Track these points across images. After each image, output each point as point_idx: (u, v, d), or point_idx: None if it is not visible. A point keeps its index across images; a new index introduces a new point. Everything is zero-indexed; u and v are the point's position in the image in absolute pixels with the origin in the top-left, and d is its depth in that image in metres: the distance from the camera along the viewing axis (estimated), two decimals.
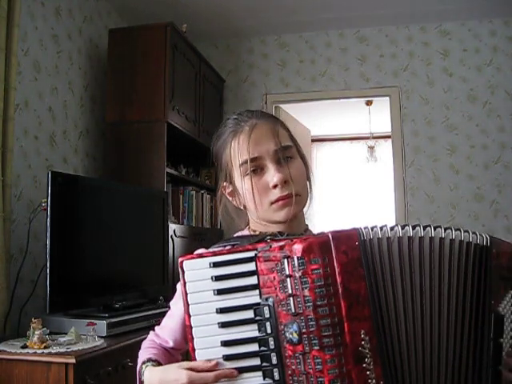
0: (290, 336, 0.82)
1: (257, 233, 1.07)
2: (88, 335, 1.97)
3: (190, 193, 3.55)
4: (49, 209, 2.06)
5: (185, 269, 0.89)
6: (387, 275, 0.84)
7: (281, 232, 0.98)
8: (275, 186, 1.01)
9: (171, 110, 3.18)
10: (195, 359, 0.88)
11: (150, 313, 2.40)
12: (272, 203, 1.02)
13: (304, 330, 0.81)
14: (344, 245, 0.83)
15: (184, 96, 3.40)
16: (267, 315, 0.85)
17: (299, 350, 0.82)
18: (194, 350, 0.88)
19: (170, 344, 1.09)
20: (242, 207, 1.10)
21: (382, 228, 0.86)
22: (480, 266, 0.86)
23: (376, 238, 0.85)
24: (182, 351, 1.11)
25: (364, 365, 0.80)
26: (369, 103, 5.53)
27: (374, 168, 6.51)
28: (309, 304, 0.81)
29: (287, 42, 4.23)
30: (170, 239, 3.08)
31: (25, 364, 1.80)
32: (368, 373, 0.80)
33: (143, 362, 1.03)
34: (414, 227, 0.86)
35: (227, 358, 0.86)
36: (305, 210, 1.10)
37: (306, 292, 0.81)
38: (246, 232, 1.12)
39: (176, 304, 1.07)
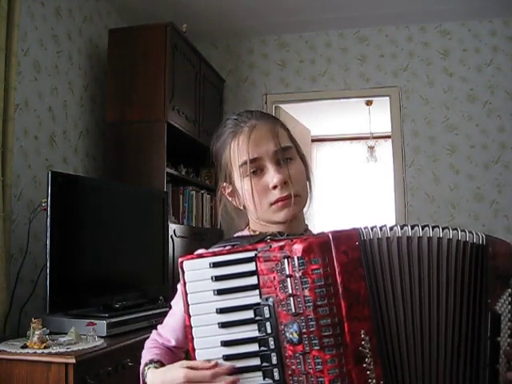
0: (290, 336, 0.82)
1: (257, 233, 1.07)
2: (88, 335, 1.97)
3: (190, 193, 3.55)
4: (49, 209, 2.06)
5: (185, 269, 0.89)
6: (387, 275, 0.85)
7: (281, 232, 0.98)
8: (275, 187, 1.02)
9: (171, 109, 3.18)
10: (195, 359, 0.88)
11: (149, 313, 2.40)
12: (271, 204, 1.02)
13: (304, 330, 0.81)
14: (344, 245, 0.83)
15: (184, 96, 3.40)
16: (267, 315, 0.85)
17: (299, 350, 0.82)
18: (194, 350, 0.88)
19: (173, 343, 1.09)
20: (241, 207, 1.10)
21: (381, 228, 0.86)
22: (476, 265, 0.87)
23: (376, 238, 0.85)
24: (184, 349, 1.11)
25: (364, 365, 0.80)
26: (369, 103, 5.53)
27: (373, 168, 6.52)
28: (309, 304, 0.81)
29: (287, 41, 4.23)
30: (170, 239, 3.08)
31: (25, 364, 1.80)
32: (368, 373, 0.80)
33: (145, 364, 1.03)
34: (412, 227, 0.87)
35: (227, 358, 0.86)
36: (305, 210, 1.10)
37: (306, 292, 0.81)
38: (245, 232, 1.12)
39: (177, 303, 1.07)
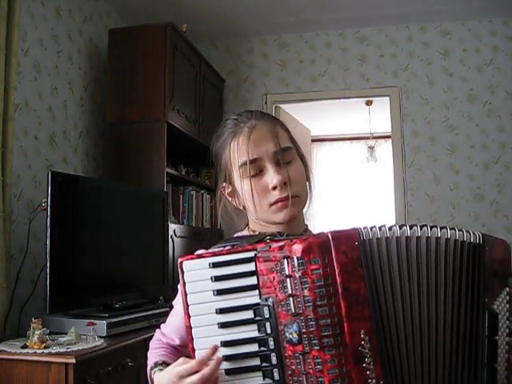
0: (290, 336, 0.82)
1: (256, 233, 1.07)
2: (88, 335, 1.97)
3: (190, 193, 3.55)
4: (49, 209, 2.06)
5: (184, 269, 0.89)
6: (386, 275, 0.85)
7: (280, 232, 0.98)
8: (274, 188, 1.02)
9: (171, 110, 3.18)
10: None
11: (150, 313, 2.41)
12: (271, 205, 1.03)
13: (304, 330, 0.81)
14: (344, 245, 0.83)
15: (184, 96, 3.40)
16: (267, 315, 0.85)
17: (299, 350, 0.82)
18: (193, 350, 0.88)
19: (177, 342, 1.09)
20: (241, 207, 1.10)
21: (380, 228, 0.87)
22: (473, 264, 0.87)
23: (375, 237, 0.86)
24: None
25: (364, 365, 0.80)
26: (369, 103, 5.53)
27: (373, 168, 6.51)
28: (309, 304, 0.81)
29: (287, 41, 4.23)
30: (170, 239, 3.08)
31: (25, 364, 1.81)
32: (368, 373, 0.80)
33: (151, 368, 1.03)
34: (411, 227, 0.87)
35: (227, 358, 0.86)
36: (304, 210, 1.10)
37: (306, 292, 0.82)
38: (245, 232, 1.12)
39: (178, 303, 1.07)
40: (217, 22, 3.96)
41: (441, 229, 0.87)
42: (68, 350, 1.83)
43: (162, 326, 1.15)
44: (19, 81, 2.55)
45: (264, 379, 0.85)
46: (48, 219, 2.05)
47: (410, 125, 3.98)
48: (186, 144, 3.60)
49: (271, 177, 1.02)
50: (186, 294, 0.88)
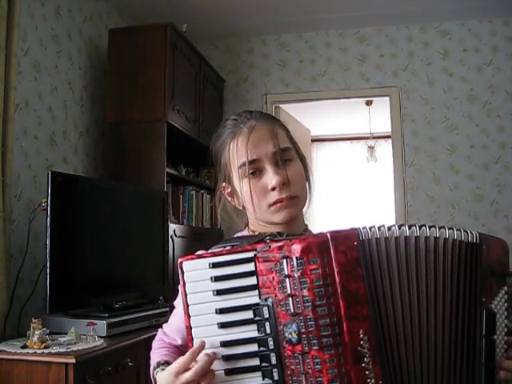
0: (289, 336, 0.82)
1: (256, 233, 1.07)
2: (88, 335, 1.97)
3: (190, 193, 3.56)
4: (49, 209, 2.06)
5: (184, 269, 0.89)
6: (385, 275, 0.85)
7: (280, 232, 0.98)
8: (273, 189, 1.02)
9: (171, 110, 3.18)
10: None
11: (150, 313, 2.41)
12: (270, 205, 1.03)
13: (303, 330, 0.81)
14: (343, 245, 0.83)
15: (184, 96, 3.40)
16: (266, 315, 0.85)
17: (298, 349, 0.82)
18: None
19: (179, 342, 1.09)
20: (240, 207, 1.11)
21: (379, 228, 0.87)
22: (471, 263, 0.87)
23: (374, 237, 0.86)
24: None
25: (363, 364, 0.80)
26: (369, 103, 5.53)
27: (374, 168, 6.52)
28: (308, 304, 0.81)
29: (287, 41, 4.23)
30: (170, 239, 3.08)
31: (25, 364, 1.81)
32: (367, 372, 0.80)
33: (154, 368, 1.04)
34: (410, 227, 0.87)
35: (227, 358, 0.86)
36: (304, 210, 1.10)
37: (305, 292, 0.82)
38: (245, 232, 1.12)
39: (180, 303, 1.07)
40: (217, 21, 3.96)
41: (439, 228, 0.88)
42: (68, 350, 1.83)
43: (164, 325, 1.15)
44: (19, 81, 2.55)
45: (263, 379, 0.85)
46: (48, 219, 2.05)
47: (410, 125, 3.98)
48: (186, 144, 3.60)
49: (270, 177, 1.02)
50: (185, 294, 0.88)
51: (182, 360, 0.86)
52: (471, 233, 0.88)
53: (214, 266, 0.88)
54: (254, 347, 0.85)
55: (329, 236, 0.84)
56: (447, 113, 3.94)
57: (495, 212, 3.79)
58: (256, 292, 0.86)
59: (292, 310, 0.82)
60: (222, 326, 0.86)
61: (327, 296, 0.81)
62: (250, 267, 0.87)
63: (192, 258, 0.90)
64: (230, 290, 0.87)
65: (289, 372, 0.83)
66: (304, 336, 0.81)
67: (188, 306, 0.88)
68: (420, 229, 0.87)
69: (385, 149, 6.21)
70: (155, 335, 1.16)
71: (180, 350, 1.10)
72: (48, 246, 2.04)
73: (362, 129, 6.29)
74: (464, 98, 3.92)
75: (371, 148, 6.30)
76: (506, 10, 3.78)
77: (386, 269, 0.85)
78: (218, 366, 0.86)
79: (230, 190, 1.11)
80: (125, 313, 2.27)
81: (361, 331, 0.81)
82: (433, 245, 0.86)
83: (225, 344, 0.86)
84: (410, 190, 3.93)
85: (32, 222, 2.35)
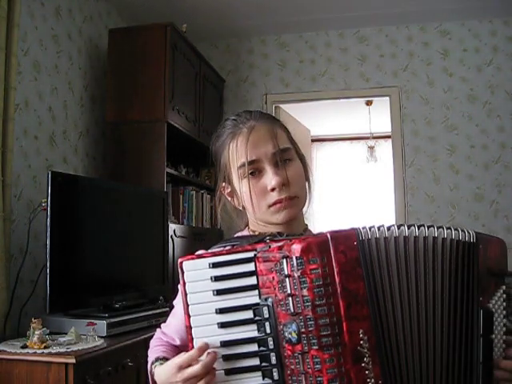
0: (289, 336, 0.83)
1: (256, 233, 1.07)
2: (88, 335, 1.97)
3: (190, 193, 3.56)
4: (49, 209, 2.06)
5: (184, 269, 0.89)
6: (385, 275, 0.85)
7: (280, 232, 0.98)
8: (273, 189, 1.02)
9: (171, 110, 3.18)
10: None
11: (150, 313, 2.41)
12: (270, 206, 1.03)
13: (303, 330, 0.81)
14: (342, 245, 0.83)
15: (184, 96, 3.40)
16: (266, 315, 0.85)
17: (298, 349, 0.82)
18: None
19: (177, 342, 1.09)
20: (240, 208, 1.11)
21: (379, 228, 0.87)
22: (468, 263, 0.88)
23: (374, 237, 0.86)
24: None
25: (363, 364, 0.80)
26: (369, 103, 5.53)
27: (374, 168, 6.52)
28: (307, 304, 0.81)
29: (287, 41, 4.23)
30: (170, 239, 3.08)
31: (25, 364, 1.81)
32: (367, 372, 0.80)
33: (152, 362, 1.04)
34: (409, 227, 0.87)
35: (226, 358, 0.86)
36: (304, 210, 1.10)
37: (305, 292, 0.82)
38: (245, 232, 1.12)
39: (178, 304, 1.07)
40: (217, 21, 3.96)
41: (437, 228, 0.88)
42: (68, 350, 1.83)
43: (162, 325, 1.15)
44: (19, 81, 2.55)
45: (263, 379, 0.85)
46: (48, 219, 2.05)
47: (410, 125, 3.98)
48: (186, 144, 3.60)
49: (270, 178, 1.02)
50: (185, 294, 0.88)
51: (186, 355, 0.87)
52: (468, 232, 0.89)
53: (214, 265, 0.88)
54: (253, 347, 0.86)
55: (329, 236, 0.84)
56: (447, 113, 3.94)
57: (495, 212, 3.79)
58: (256, 292, 0.86)
59: (292, 310, 0.82)
60: (222, 325, 0.87)
61: (327, 296, 0.81)
62: (250, 267, 0.87)
63: (192, 258, 0.90)
64: (230, 290, 0.87)
65: (289, 372, 0.83)
66: (304, 336, 0.81)
67: (188, 305, 0.88)
68: (419, 229, 0.87)
69: (385, 149, 6.21)
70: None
71: (178, 349, 1.10)
72: (48, 246, 2.04)
73: (362, 129, 6.29)
74: (464, 98, 3.92)
75: (371, 148, 6.30)
76: (506, 10, 3.78)
77: (386, 269, 0.85)
78: (218, 366, 0.86)
79: (229, 190, 1.11)
80: (125, 313, 2.27)
81: (360, 331, 0.81)
82: (431, 245, 0.87)
83: (225, 344, 0.86)
84: (410, 189, 3.93)
85: (32, 222, 2.35)
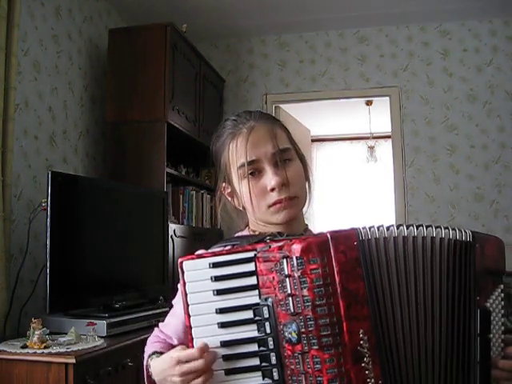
0: (289, 336, 0.83)
1: (256, 233, 1.07)
2: (88, 335, 1.97)
3: (190, 193, 3.56)
4: (49, 209, 2.06)
5: (184, 269, 0.89)
6: (384, 275, 0.85)
7: (280, 232, 0.98)
8: (273, 190, 1.02)
9: (171, 110, 3.18)
10: None
11: (149, 313, 2.41)
12: (269, 206, 1.03)
13: (303, 330, 0.82)
14: (342, 245, 0.83)
15: (184, 96, 3.40)
16: (266, 315, 0.85)
17: (298, 349, 0.82)
18: None
19: (175, 342, 1.09)
20: (241, 208, 1.11)
21: (378, 228, 0.87)
22: (465, 262, 0.88)
23: (373, 238, 0.86)
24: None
25: (363, 364, 0.80)
26: (369, 103, 5.53)
27: (374, 168, 6.52)
28: (308, 304, 0.81)
29: (287, 41, 4.23)
30: (170, 239, 3.08)
31: (25, 364, 1.81)
32: (367, 372, 0.80)
33: (149, 355, 1.04)
34: (407, 227, 0.88)
35: (226, 358, 0.86)
36: (304, 209, 1.10)
37: (305, 292, 0.82)
38: (245, 232, 1.12)
39: (177, 303, 1.07)
40: (217, 21, 3.96)
41: (435, 228, 0.88)
42: (68, 350, 1.83)
43: (160, 324, 1.15)
44: (19, 81, 2.55)
45: (263, 379, 0.85)
46: (48, 219, 2.05)
47: (410, 125, 3.98)
48: (186, 144, 3.60)
49: (269, 178, 1.02)
50: (186, 294, 0.88)
51: (186, 352, 0.87)
52: (465, 232, 0.89)
53: (214, 265, 0.88)
54: (253, 347, 0.86)
55: (329, 236, 0.84)
56: (447, 113, 3.94)
57: (495, 212, 3.79)
58: (256, 292, 0.86)
59: (292, 310, 0.83)
60: (222, 325, 0.87)
61: (327, 296, 0.81)
62: (250, 267, 0.87)
63: (192, 258, 0.90)
64: (230, 290, 0.87)
65: (289, 372, 0.83)
66: (304, 336, 0.81)
67: (188, 305, 0.88)
68: (417, 229, 0.88)
69: (385, 149, 6.21)
70: None
71: (174, 347, 1.10)
72: (48, 246, 2.04)
73: (362, 129, 6.29)
74: (464, 98, 3.92)
75: (371, 148, 6.30)
76: (506, 10, 3.78)
77: (385, 269, 0.85)
78: (218, 366, 0.87)
79: (230, 190, 1.11)
80: (125, 313, 2.27)
81: (361, 331, 0.81)
82: (429, 244, 0.87)
83: (225, 344, 0.86)
84: (410, 189, 3.93)
85: (32, 222, 2.35)
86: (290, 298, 0.83)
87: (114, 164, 3.21)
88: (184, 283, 0.88)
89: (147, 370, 1.03)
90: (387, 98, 4.08)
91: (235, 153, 1.05)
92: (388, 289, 0.85)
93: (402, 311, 0.84)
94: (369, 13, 3.85)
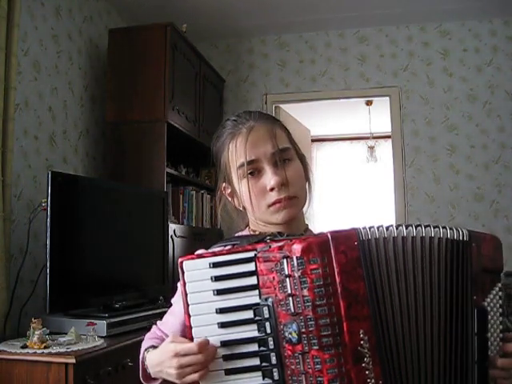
0: (290, 336, 0.82)
1: (256, 233, 1.07)
2: (88, 335, 1.97)
3: (190, 193, 3.56)
4: (49, 209, 2.06)
5: (185, 269, 0.89)
6: (384, 275, 0.85)
7: (280, 232, 0.98)
8: (272, 189, 1.02)
9: (171, 110, 3.18)
10: None
11: (149, 313, 2.41)
12: (269, 206, 1.03)
13: (303, 330, 0.81)
14: (343, 245, 0.83)
15: (184, 96, 3.40)
16: (267, 315, 0.85)
17: (298, 349, 0.82)
18: None
19: None
20: (241, 208, 1.11)
21: (378, 228, 0.87)
22: (462, 262, 0.87)
23: (374, 238, 0.86)
24: None
25: (363, 364, 0.80)
26: (369, 103, 5.53)
27: (374, 168, 6.52)
28: (308, 304, 0.81)
29: (287, 41, 4.23)
30: (170, 239, 3.08)
31: (25, 364, 1.80)
32: (367, 372, 0.80)
33: (146, 349, 1.05)
34: (406, 227, 0.88)
35: (227, 357, 0.86)
36: (304, 209, 1.10)
37: (305, 292, 0.82)
38: (245, 232, 1.12)
39: (177, 302, 1.07)
40: (217, 21, 3.96)
41: (433, 228, 0.88)
42: (68, 350, 1.83)
43: (158, 322, 1.16)
44: (19, 81, 2.55)
45: (264, 379, 0.85)
46: (48, 219, 2.05)
47: (410, 125, 3.98)
48: (186, 144, 3.60)
49: (269, 178, 1.02)
50: (186, 294, 0.88)
51: (186, 346, 0.87)
52: (461, 231, 0.88)
53: (215, 265, 0.88)
54: (254, 347, 0.86)
55: (329, 236, 0.84)
56: (447, 113, 3.94)
57: (495, 212, 3.79)
58: (256, 292, 0.86)
59: (292, 310, 0.82)
60: (223, 325, 0.87)
61: (327, 296, 0.81)
62: (251, 267, 0.87)
63: (192, 258, 0.90)
64: (230, 290, 0.87)
65: (289, 372, 0.83)
66: (304, 336, 0.81)
67: (188, 305, 0.88)
68: (416, 229, 0.88)
69: (385, 149, 6.21)
70: None
71: None
72: (48, 246, 2.04)
73: (362, 129, 6.28)
74: (464, 98, 3.92)
75: (371, 148, 6.30)
76: (506, 10, 3.78)
77: (385, 269, 0.85)
78: (218, 366, 0.87)
79: (230, 190, 1.11)
80: (125, 313, 2.26)
81: (361, 331, 0.81)
82: (428, 244, 0.87)
83: (225, 344, 0.86)
84: (410, 189, 3.93)
85: (32, 222, 2.35)
86: (291, 298, 0.83)
87: (114, 164, 3.21)
88: (184, 283, 0.88)
89: (143, 363, 1.03)
90: (387, 98, 4.08)
91: (235, 153, 1.05)
92: (388, 289, 0.85)
93: (402, 311, 0.84)
94: (369, 13, 3.85)
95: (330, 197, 6.61)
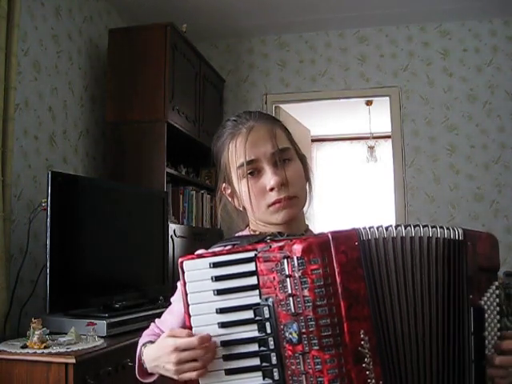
0: (290, 336, 0.82)
1: (257, 233, 1.07)
2: (88, 335, 1.97)
3: (190, 193, 3.55)
4: (49, 209, 2.06)
5: (185, 269, 0.89)
6: (384, 275, 0.85)
7: (281, 232, 0.98)
8: (272, 189, 1.02)
9: (171, 109, 3.18)
10: None
11: (149, 313, 2.40)
12: (269, 206, 1.03)
13: (304, 330, 0.81)
14: (343, 245, 0.83)
15: (184, 96, 3.40)
16: (267, 315, 0.85)
17: (299, 349, 0.82)
18: None
19: None
20: (241, 208, 1.11)
21: (378, 228, 0.87)
22: (459, 261, 0.87)
23: (374, 238, 0.86)
24: None
25: (363, 365, 0.80)
26: (369, 103, 5.53)
27: (374, 168, 6.52)
28: (308, 304, 0.81)
29: (287, 41, 4.23)
30: (170, 239, 3.08)
31: (25, 364, 1.80)
32: (367, 373, 0.80)
33: (143, 344, 1.04)
34: (405, 227, 0.88)
35: (227, 357, 0.86)
36: (305, 209, 1.10)
37: (306, 292, 0.82)
38: (246, 232, 1.12)
39: (176, 301, 1.07)
40: (217, 21, 3.96)
41: (431, 228, 0.88)
42: (68, 350, 1.82)
43: (156, 320, 1.16)
44: (19, 81, 2.55)
45: (264, 379, 0.85)
46: (48, 219, 2.05)
47: (410, 125, 3.98)
48: (186, 144, 3.60)
49: (269, 178, 1.02)
50: (186, 294, 0.88)
51: (186, 340, 0.86)
52: (456, 230, 0.88)
53: (215, 265, 0.88)
54: (254, 347, 0.86)
55: (330, 236, 0.84)
56: (447, 113, 3.94)
57: (495, 212, 3.79)
58: (256, 292, 0.86)
59: (293, 310, 0.82)
60: (223, 325, 0.87)
61: (328, 296, 0.81)
62: (251, 267, 0.87)
63: (192, 258, 0.90)
64: (231, 290, 0.87)
65: (289, 372, 0.83)
66: (304, 336, 0.81)
67: (188, 305, 0.88)
68: (414, 229, 0.87)
69: (385, 149, 6.22)
70: None
71: None
72: (48, 246, 2.04)
73: (362, 129, 6.29)
74: (464, 98, 3.92)
75: (371, 148, 6.30)
76: (506, 10, 3.78)
77: (385, 269, 0.85)
78: (218, 366, 0.86)
79: (230, 190, 1.11)
80: (125, 313, 2.26)
81: (361, 331, 0.81)
82: (426, 244, 0.87)
83: (225, 344, 0.86)
84: (410, 189, 3.93)
85: (32, 221, 2.35)
86: (291, 298, 0.83)
87: (114, 164, 3.21)
88: (184, 283, 0.88)
89: (139, 358, 1.03)
90: (387, 98, 4.08)
91: (234, 153, 1.05)
92: (387, 290, 0.85)
93: (402, 311, 0.84)
94: (369, 13, 3.85)
95: (330, 197, 6.61)
